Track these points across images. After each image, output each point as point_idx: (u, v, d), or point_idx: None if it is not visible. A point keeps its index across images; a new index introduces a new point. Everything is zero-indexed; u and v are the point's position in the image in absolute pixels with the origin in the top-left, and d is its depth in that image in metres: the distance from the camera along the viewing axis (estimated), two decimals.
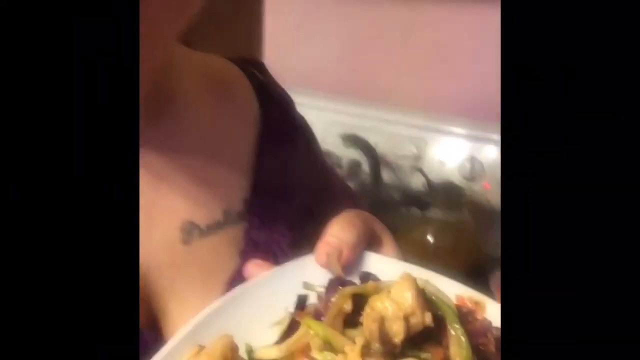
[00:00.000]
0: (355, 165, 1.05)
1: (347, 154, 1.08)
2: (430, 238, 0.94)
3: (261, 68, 0.49)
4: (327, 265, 0.31)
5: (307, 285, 0.31)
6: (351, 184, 1.04)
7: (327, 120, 1.10)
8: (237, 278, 0.38)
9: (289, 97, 0.50)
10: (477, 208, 0.99)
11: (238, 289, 0.31)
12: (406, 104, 1.08)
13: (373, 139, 1.07)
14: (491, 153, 0.99)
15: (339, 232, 0.33)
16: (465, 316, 0.26)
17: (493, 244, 0.98)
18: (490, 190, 0.99)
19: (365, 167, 1.06)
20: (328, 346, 0.25)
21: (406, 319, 0.24)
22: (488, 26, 0.96)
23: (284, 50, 1.22)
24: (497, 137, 0.96)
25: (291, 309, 0.29)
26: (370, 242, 0.34)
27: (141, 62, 0.31)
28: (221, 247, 0.40)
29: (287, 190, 0.44)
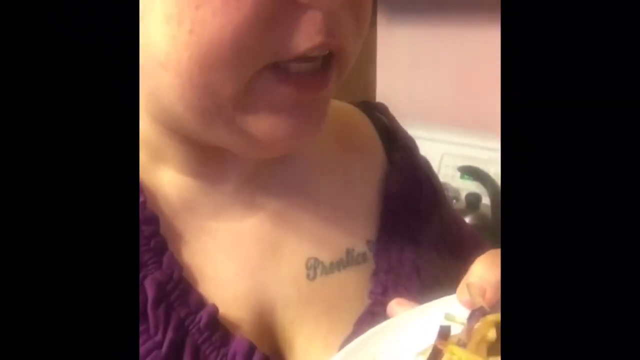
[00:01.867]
0: (474, 198, 1.04)
1: (465, 187, 1.07)
2: None
3: (385, 112, 0.52)
4: (470, 305, 0.32)
5: (449, 317, 0.32)
6: (470, 218, 1.03)
7: (443, 152, 1.11)
8: (366, 318, 0.40)
9: (412, 140, 0.52)
10: None
11: (384, 324, 0.33)
12: None
13: (493, 171, 1.06)
14: None
15: (481, 272, 0.33)
16: None
17: None
18: None
19: (485, 199, 1.04)
20: None
21: None
22: None
23: (397, 83, 1.25)
24: None
25: (435, 340, 0.31)
26: None
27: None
28: (346, 286, 0.42)
29: (413, 234, 0.46)
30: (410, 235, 0.45)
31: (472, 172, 1.06)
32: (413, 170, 0.49)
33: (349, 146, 0.47)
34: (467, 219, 1.03)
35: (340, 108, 0.49)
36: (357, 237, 0.44)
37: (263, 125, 0.34)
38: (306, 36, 0.32)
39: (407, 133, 0.52)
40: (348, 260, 0.42)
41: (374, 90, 1.30)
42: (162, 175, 0.39)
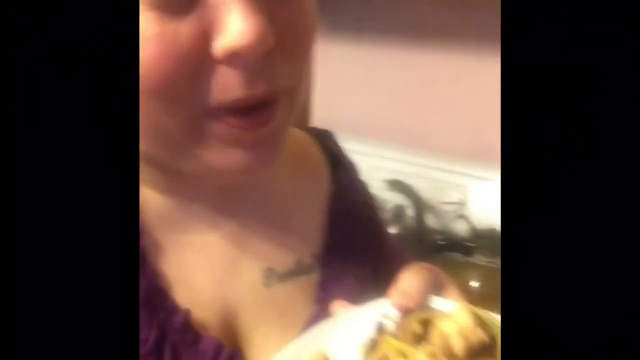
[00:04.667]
0: (399, 210, 1.13)
1: (391, 199, 1.17)
2: (473, 283, 1.01)
3: (330, 137, 0.59)
4: (399, 306, 0.40)
5: (384, 315, 0.40)
6: (395, 228, 1.12)
7: (372, 165, 1.20)
8: (314, 321, 0.47)
9: (353, 164, 0.60)
10: None
11: (329, 321, 0.40)
12: (450, 151, 1.17)
13: (417, 185, 1.16)
14: None
15: (409, 279, 0.41)
16: None
17: None
18: None
19: (410, 211, 1.14)
20: (402, 355, 0.34)
21: (465, 336, 0.33)
22: None
23: (332, 99, 1.33)
24: None
25: (372, 334, 0.38)
26: (437, 290, 0.42)
27: None
28: (296, 294, 0.50)
29: (354, 247, 0.54)
30: (351, 248, 0.54)
31: (398, 185, 1.15)
32: (354, 192, 0.57)
33: (299, 169, 0.54)
34: (393, 229, 1.12)
35: (292, 133, 0.56)
36: (306, 250, 0.51)
37: (218, 159, 0.39)
38: (227, 89, 0.35)
39: (349, 158, 0.60)
40: (298, 270, 0.50)
41: (310, 103, 1.37)
42: (144, 192, 0.45)
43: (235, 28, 0.33)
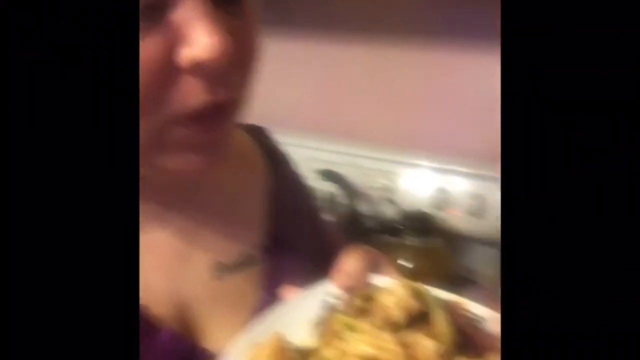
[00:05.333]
0: (331, 198, 1.18)
1: (323, 187, 1.21)
2: (404, 263, 1.08)
3: (266, 133, 0.63)
4: (342, 285, 0.44)
5: (331, 295, 0.44)
6: (329, 215, 1.17)
7: (304, 156, 1.24)
8: (262, 306, 0.51)
9: (289, 157, 0.64)
10: (446, 234, 1.14)
11: (280, 305, 0.44)
12: (376, 140, 1.23)
13: (347, 173, 1.22)
14: (457, 182, 1.14)
15: (349, 261, 0.46)
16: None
17: (463, 266, 1.13)
18: (457, 216, 1.14)
19: (341, 199, 1.19)
20: (350, 329, 0.38)
21: (403, 306, 0.38)
22: (452, 64, 1.13)
23: (265, 92, 1.36)
24: (461, 168, 1.12)
25: (321, 312, 0.42)
26: (375, 268, 0.47)
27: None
28: (245, 283, 0.54)
29: (294, 235, 0.58)
30: (291, 236, 0.57)
31: (330, 175, 1.20)
32: (290, 184, 0.61)
33: (239, 165, 0.58)
34: (327, 216, 1.17)
35: None
36: (251, 241, 0.55)
37: (175, 162, 0.42)
38: (191, 96, 0.38)
39: (284, 151, 0.63)
40: (245, 261, 0.54)
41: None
42: None
43: (202, 41, 0.36)
